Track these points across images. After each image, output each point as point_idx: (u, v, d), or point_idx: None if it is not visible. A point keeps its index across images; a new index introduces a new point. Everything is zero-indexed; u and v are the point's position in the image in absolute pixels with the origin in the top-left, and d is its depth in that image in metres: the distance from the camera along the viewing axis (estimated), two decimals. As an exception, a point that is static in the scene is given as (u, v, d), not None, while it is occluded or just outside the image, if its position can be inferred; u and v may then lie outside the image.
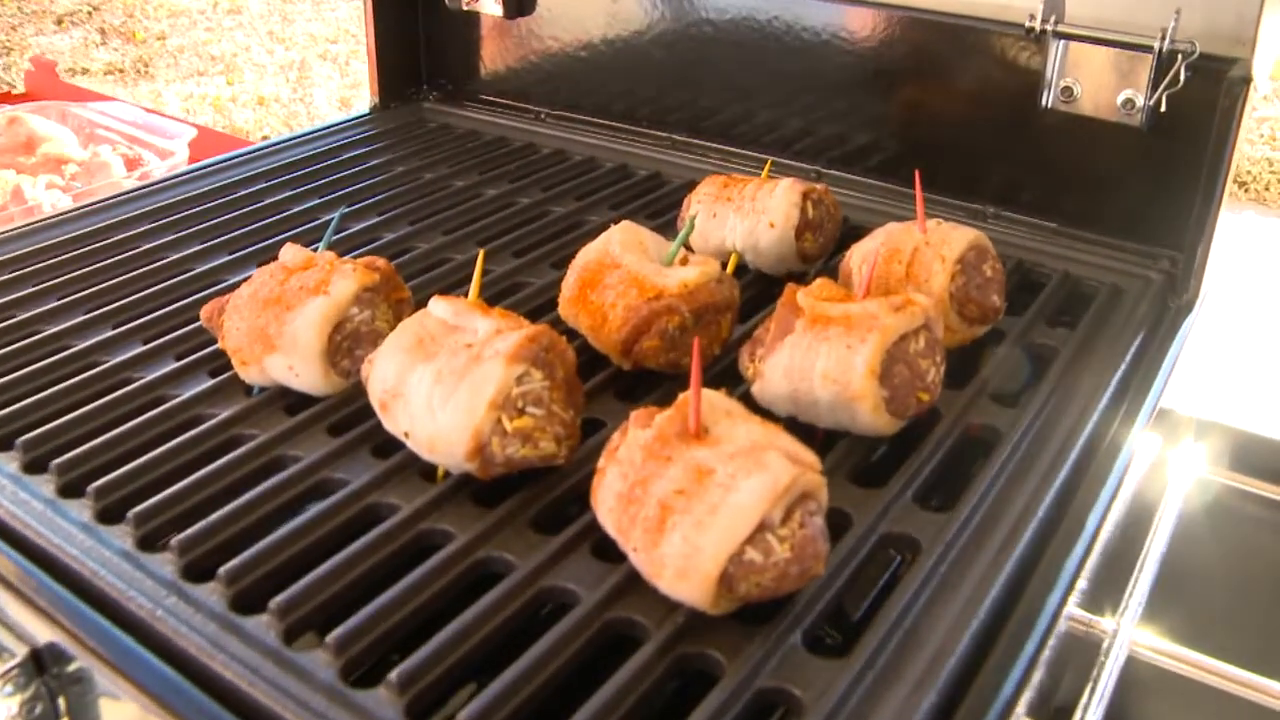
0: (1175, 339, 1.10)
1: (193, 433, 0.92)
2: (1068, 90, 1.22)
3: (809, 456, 0.72)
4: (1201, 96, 1.12)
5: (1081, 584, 0.85)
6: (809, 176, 1.42)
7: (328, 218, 1.30)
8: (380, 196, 1.40)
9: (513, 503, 0.83)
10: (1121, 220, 1.23)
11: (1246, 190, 4.89)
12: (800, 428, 0.90)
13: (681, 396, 0.74)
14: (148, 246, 1.26)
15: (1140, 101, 1.17)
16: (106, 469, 0.87)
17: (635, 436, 0.74)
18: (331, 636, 0.71)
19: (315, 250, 1.00)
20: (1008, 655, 0.71)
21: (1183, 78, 1.12)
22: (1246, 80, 1.07)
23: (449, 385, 0.80)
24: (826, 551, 0.70)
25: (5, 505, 0.85)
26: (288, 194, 1.40)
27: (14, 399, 0.97)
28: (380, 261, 0.98)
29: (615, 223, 1.06)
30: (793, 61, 1.41)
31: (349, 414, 0.94)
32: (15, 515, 0.84)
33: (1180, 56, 1.12)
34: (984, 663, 0.71)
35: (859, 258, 1.04)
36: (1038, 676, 0.74)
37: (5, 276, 1.19)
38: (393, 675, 0.68)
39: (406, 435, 0.84)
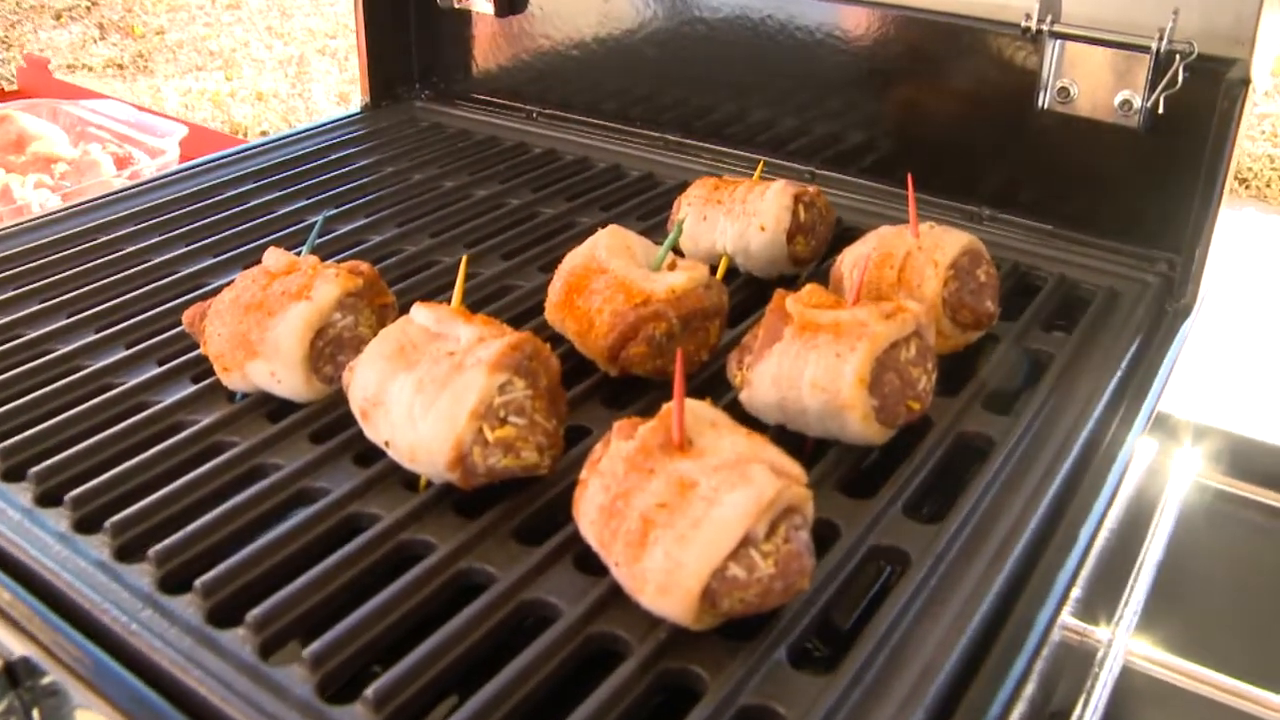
0: (1173, 343, 1.08)
1: (173, 440, 0.91)
2: (1064, 91, 1.20)
3: (795, 469, 0.71)
4: (1200, 98, 1.10)
5: (1076, 593, 0.84)
6: (803, 177, 1.40)
7: (313, 220, 1.29)
8: (369, 198, 1.38)
9: (495, 513, 0.82)
10: (1119, 223, 1.22)
11: (1248, 187, 4.87)
12: (789, 437, 0.89)
13: (665, 407, 0.73)
14: (133, 249, 1.25)
15: (1138, 102, 1.16)
16: (85, 477, 0.86)
17: (618, 448, 0.72)
18: (308, 651, 0.69)
19: (299, 254, 0.99)
20: (998, 671, 0.70)
21: (1181, 78, 1.11)
22: (1245, 81, 1.05)
23: (430, 394, 0.79)
24: (812, 566, 0.68)
25: (-20, 515, 0.84)
26: (275, 195, 1.39)
27: (-8, 405, 0.96)
28: (364, 266, 0.97)
29: (606, 225, 1.04)
30: (786, 61, 1.40)
31: (331, 421, 0.93)
32: (-10, 525, 0.83)
33: (1178, 57, 1.10)
34: (973, 679, 0.70)
35: (850, 262, 1.03)
36: (1030, 689, 0.73)
37: (-11, 279, 1.18)
38: (369, 691, 0.66)
39: (387, 444, 0.83)
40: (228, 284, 0.98)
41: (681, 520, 0.66)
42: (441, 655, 0.70)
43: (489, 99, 1.70)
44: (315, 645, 0.69)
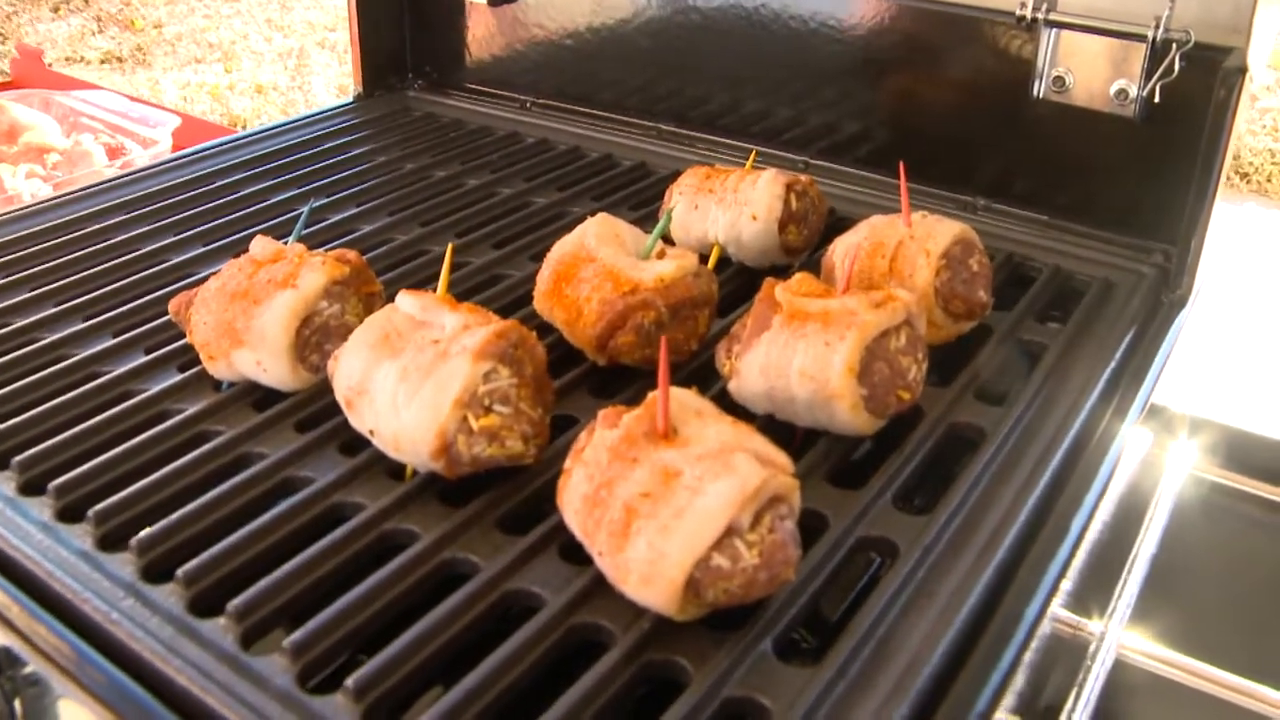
0: (1168, 335, 1.08)
1: (159, 429, 0.90)
2: (1060, 80, 1.19)
3: (781, 458, 0.70)
4: (1196, 87, 1.09)
5: (1067, 585, 0.83)
6: (797, 167, 1.39)
7: (301, 209, 1.28)
8: (360, 187, 1.37)
9: (480, 503, 0.81)
10: (1114, 213, 1.21)
11: (1249, 181, 4.85)
12: (778, 427, 0.88)
13: (650, 396, 0.72)
14: (123, 238, 1.24)
15: (1134, 92, 1.15)
16: (69, 466, 0.86)
17: (602, 437, 0.71)
18: (288, 641, 0.69)
19: (286, 243, 0.98)
20: (984, 665, 0.69)
21: (1177, 67, 1.10)
22: (1242, 70, 1.04)
23: (414, 382, 0.78)
24: (797, 557, 0.68)
25: (-37, 504, 0.83)
26: (267, 184, 1.38)
27: (-23, 394, 0.95)
28: (351, 254, 0.96)
29: (597, 214, 1.03)
30: (780, 51, 1.39)
31: (317, 410, 0.92)
32: (-27, 514, 0.82)
33: (1174, 46, 1.09)
34: (960, 671, 0.69)
35: (842, 252, 1.02)
36: (1020, 681, 0.72)
37: (-23, 267, 1.17)
38: (349, 681, 0.66)
39: (372, 433, 0.82)
40: (216, 273, 0.98)
41: (665, 510, 0.66)
42: (424, 645, 0.69)
43: (482, 89, 1.69)
44: (296, 635, 0.69)
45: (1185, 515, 1.12)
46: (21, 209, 1.31)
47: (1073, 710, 0.90)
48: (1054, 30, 1.18)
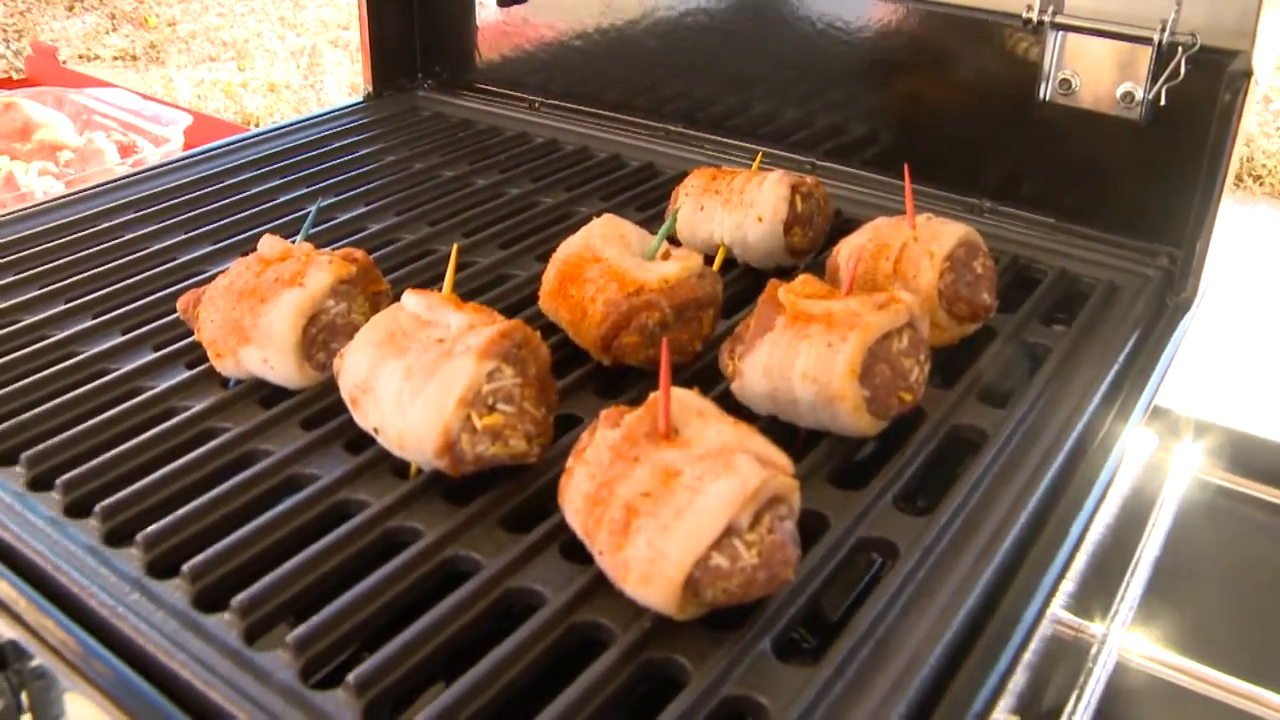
0: (1172, 337, 1.08)
1: (166, 425, 0.91)
2: (1066, 83, 1.19)
3: (781, 459, 0.70)
4: (1202, 90, 1.09)
5: (1069, 587, 0.83)
6: (803, 169, 1.40)
7: (309, 208, 1.29)
8: (368, 186, 1.38)
9: (483, 501, 0.81)
10: (1120, 216, 1.21)
11: (1261, 184, 4.83)
12: (781, 428, 0.89)
13: (652, 396, 0.73)
14: (133, 236, 1.25)
15: (1140, 94, 1.15)
16: (77, 462, 0.86)
17: (603, 436, 0.72)
18: (291, 636, 0.69)
19: (294, 242, 0.98)
20: (982, 665, 0.69)
21: (1183, 70, 1.10)
22: (1247, 74, 1.04)
23: (419, 381, 0.79)
24: (797, 557, 0.68)
25: (-28, 499, 0.84)
26: (276, 183, 1.39)
27: (-13, 390, 0.96)
28: (358, 253, 0.97)
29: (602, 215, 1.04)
30: (788, 52, 1.39)
31: (324, 408, 0.93)
32: (-19, 509, 0.83)
33: (1180, 49, 1.09)
34: (958, 671, 0.69)
35: (847, 253, 1.02)
36: (1020, 682, 0.72)
37: (-11, 265, 1.18)
38: (350, 677, 0.66)
39: (377, 431, 0.83)
40: (224, 271, 0.98)
41: (665, 509, 0.66)
42: (426, 642, 0.70)
43: (491, 89, 1.70)
44: (299, 630, 0.69)
45: (1189, 518, 1.12)
46: (34, 206, 1.32)
47: (1073, 712, 0.90)
48: (1060, 33, 1.18)
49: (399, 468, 0.86)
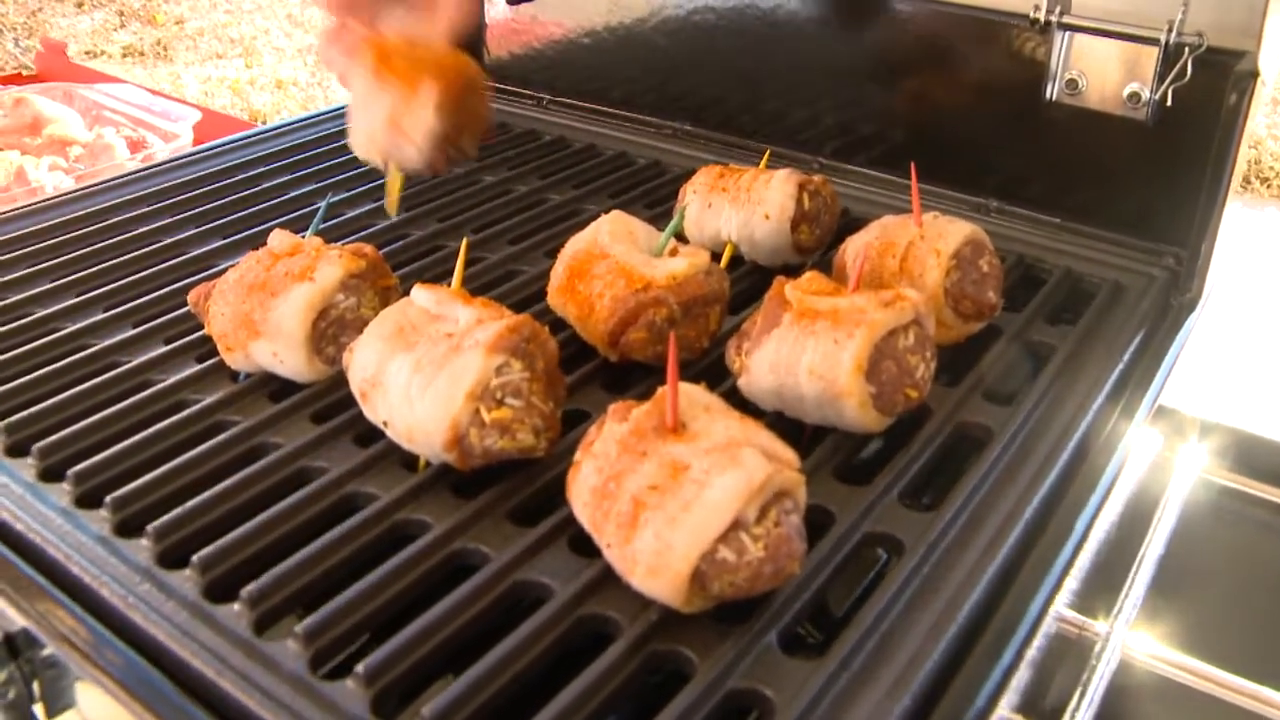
0: (1177, 337, 1.08)
1: (176, 418, 0.92)
2: (1072, 83, 1.20)
3: (787, 454, 0.71)
4: (1208, 90, 1.10)
5: (1073, 585, 0.84)
6: (810, 167, 1.40)
7: (319, 204, 1.30)
8: (377, 182, 1.38)
9: (491, 494, 0.82)
10: (1125, 216, 1.21)
11: (1269, 186, 4.83)
12: (787, 423, 0.89)
13: (660, 390, 0.73)
14: (144, 229, 1.26)
15: (1146, 95, 1.15)
16: (88, 453, 0.87)
17: (611, 430, 0.72)
18: (300, 627, 0.70)
19: (304, 236, 0.99)
20: (985, 661, 0.70)
21: (1189, 71, 1.10)
22: (1254, 74, 1.05)
23: (427, 375, 0.79)
24: (803, 551, 0.69)
25: (-16, 488, 0.85)
26: (286, 178, 1.40)
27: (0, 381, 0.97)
28: (367, 248, 0.97)
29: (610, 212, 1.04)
30: (795, 51, 1.40)
31: (333, 401, 0.94)
32: (-6, 498, 0.84)
33: (1187, 49, 1.10)
34: (961, 667, 0.70)
35: (853, 251, 1.03)
36: (1023, 678, 0.73)
37: (0, 258, 1.19)
38: (359, 667, 0.67)
39: (386, 425, 0.83)
40: (235, 265, 0.99)
41: (672, 502, 0.67)
42: (434, 633, 0.70)
43: (500, 86, 1.71)
44: (308, 621, 0.70)
45: (1193, 518, 1.12)
46: (44, 200, 1.32)
47: (1076, 710, 0.90)
48: (1067, 33, 1.18)
49: (408, 461, 0.86)
